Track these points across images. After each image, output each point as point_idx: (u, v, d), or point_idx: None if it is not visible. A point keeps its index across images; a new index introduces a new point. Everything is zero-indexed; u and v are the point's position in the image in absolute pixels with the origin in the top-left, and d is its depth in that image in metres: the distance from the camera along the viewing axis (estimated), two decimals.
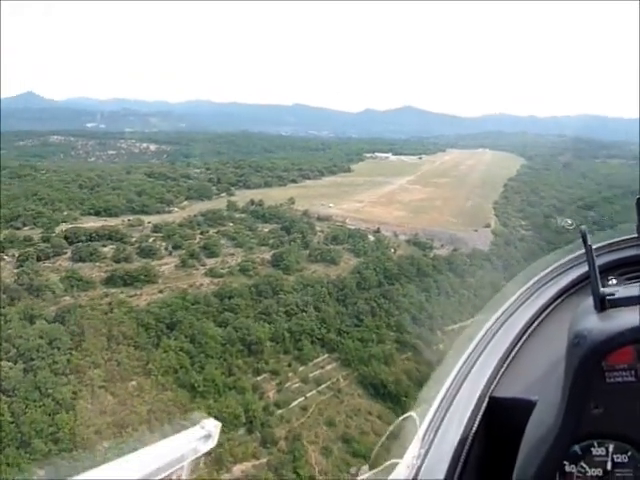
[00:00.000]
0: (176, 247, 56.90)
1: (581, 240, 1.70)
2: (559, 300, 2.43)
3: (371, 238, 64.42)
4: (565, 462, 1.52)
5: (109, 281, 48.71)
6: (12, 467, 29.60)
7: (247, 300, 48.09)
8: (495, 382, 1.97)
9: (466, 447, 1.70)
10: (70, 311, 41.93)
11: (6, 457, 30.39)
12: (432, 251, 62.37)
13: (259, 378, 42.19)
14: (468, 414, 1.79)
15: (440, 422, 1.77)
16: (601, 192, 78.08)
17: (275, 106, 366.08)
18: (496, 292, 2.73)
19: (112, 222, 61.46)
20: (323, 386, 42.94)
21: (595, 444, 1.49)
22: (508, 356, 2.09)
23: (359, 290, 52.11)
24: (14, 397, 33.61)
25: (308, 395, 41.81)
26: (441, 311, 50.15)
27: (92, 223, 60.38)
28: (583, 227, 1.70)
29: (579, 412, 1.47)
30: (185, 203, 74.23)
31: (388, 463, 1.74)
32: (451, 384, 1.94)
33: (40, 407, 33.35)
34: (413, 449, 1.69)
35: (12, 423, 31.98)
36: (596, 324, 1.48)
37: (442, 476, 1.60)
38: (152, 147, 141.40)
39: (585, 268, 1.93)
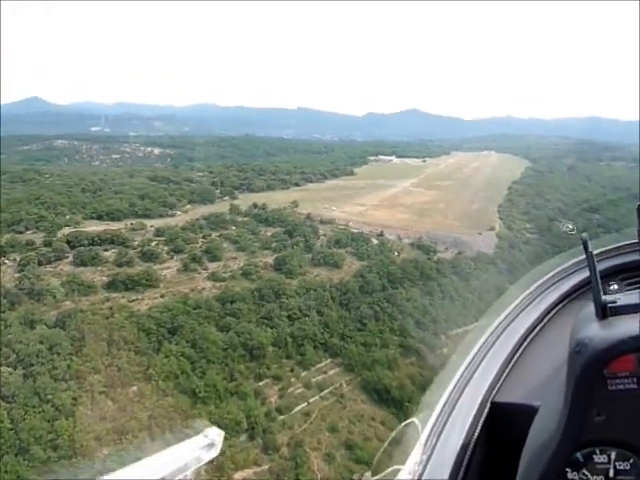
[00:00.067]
0: (178, 251, 56.61)
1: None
2: (561, 305, 2.46)
3: (374, 241, 64.04)
4: (567, 469, 1.52)
5: (110, 285, 48.41)
6: (10, 474, 29.29)
7: (249, 304, 47.76)
8: (497, 387, 1.99)
9: (468, 453, 1.70)
10: (71, 316, 41.64)
11: (4, 464, 30.01)
12: (436, 254, 61.89)
13: (261, 383, 41.80)
14: (470, 420, 1.80)
15: (442, 428, 1.78)
16: (606, 195, 77.41)
17: (279, 110, 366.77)
18: (501, 296, 2.76)
19: (114, 226, 61.23)
20: (326, 391, 42.50)
21: (597, 451, 1.50)
22: (510, 361, 2.12)
23: (362, 294, 51.71)
24: (13, 403, 33.31)
25: (311, 401, 41.38)
26: (445, 315, 49.72)
27: (94, 227, 60.18)
28: (584, 234, 1.71)
29: (581, 419, 1.47)
30: (188, 207, 73.97)
31: (390, 469, 1.74)
32: (453, 389, 1.95)
33: (39, 413, 33.01)
34: (415, 455, 1.69)
35: (11, 429, 31.65)
36: (597, 332, 1.48)
37: None
38: (156, 151, 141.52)
39: (587, 273, 1.89)
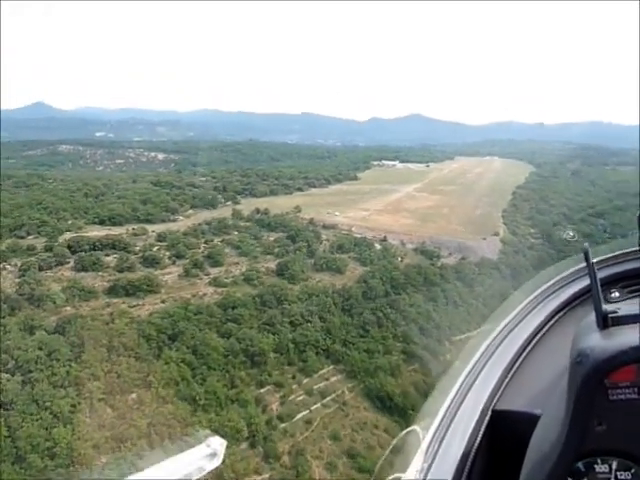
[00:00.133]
0: (180, 256, 56.32)
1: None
2: (562, 313, 2.45)
3: (377, 247, 63.59)
4: (569, 479, 1.53)
5: (111, 291, 48.13)
6: None
7: (251, 310, 47.35)
8: (498, 395, 1.98)
9: (469, 461, 1.70)
10: (71, 322, 41.36)
11: (1, 473, 29.67)
12: (440, 260, 61.40)
13: (262, 390, 41.28)
14: (471, 427, 1.79)
15: (443, 435, 1.77)
16: (612, 200, 76.76)
17: (283, 115, 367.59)
18: (503, 303, 2.74)
19: (116, 231, 61.08)
20: (328, 399, 41.93)
21: (598, 461, 1.51)
22: (511, 369, 2.11)
23: (365, 300, 51.23)
24: (11, 410, 32.94)
25: (312, 408, 40.79)
26: (449, 321, 49.20)
27: (96, 232, 60.00)
28: (586, 245, 1.73)
29: (582, 429, 1.48)
30: (190, 212, 73.79)
31: (391, 477, 1.72)
32: (454, 397, 1.94)
33: (37, 421, 32.66)
34: (416, 463, 1.68)
35: (8, 437, 31.28)
36: (598, 342, 1.49)
37: None
38: (160, 156, 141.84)
39: (588, 280, 1.83)
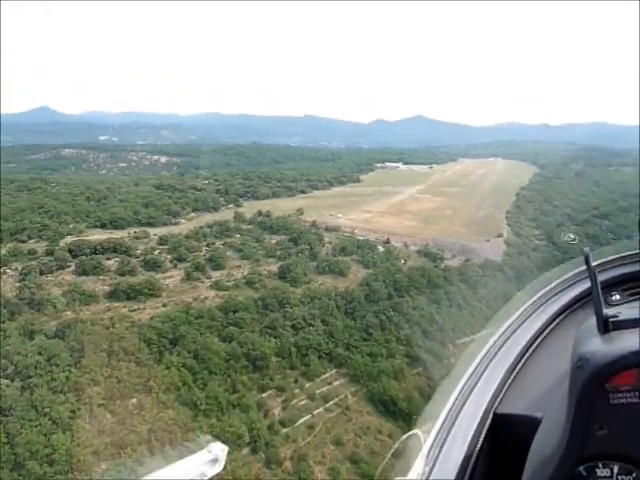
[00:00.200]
0: (181, 259, 56.01)
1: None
2: (562, 316, 2.45)
3: (380, 249, 63.13)
4: None
5: (112, 295, 47.81)
6: None
7: (252, 314, 46.97)
8: (499, 398, 1.98)
9: (470, 464, 1.70)
10: (71, 326, 41.01)
11: None
12: (443, 262, 60.85)
13: (264, 395, 40.84)
14: (472, 431, 1.79)
15: (444, 439, 1.76)
16: (616, 201, 76.11)
17: (286, 117, 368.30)
18: (503, 306, 2.72)
19: (117, 234, 60.85)
20: (331, 403, 41.47)
21: (600, 465, 1.51)
22: (512, 372, 2.11)
23: (368, 303, 50.78)
24: (9, 416, 32.61)
25: (315, 413, 40.33)
26: (453, 324, 48.64)
27: (97, 236, 59.77)
28: (586, 249, 1.75)
29: (584, 433, 1.49)
30: (192, 215, 73.55)
31: None
32: (455, 400, 1.93)
33: (36, 427, 32.28)
34: (417, 467, 1.68)
35: (7, 444, 30.93)
36: (599, 347, 1.50)
37: None
38: (163, 159, 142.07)
39: (588, 283, 1.83)
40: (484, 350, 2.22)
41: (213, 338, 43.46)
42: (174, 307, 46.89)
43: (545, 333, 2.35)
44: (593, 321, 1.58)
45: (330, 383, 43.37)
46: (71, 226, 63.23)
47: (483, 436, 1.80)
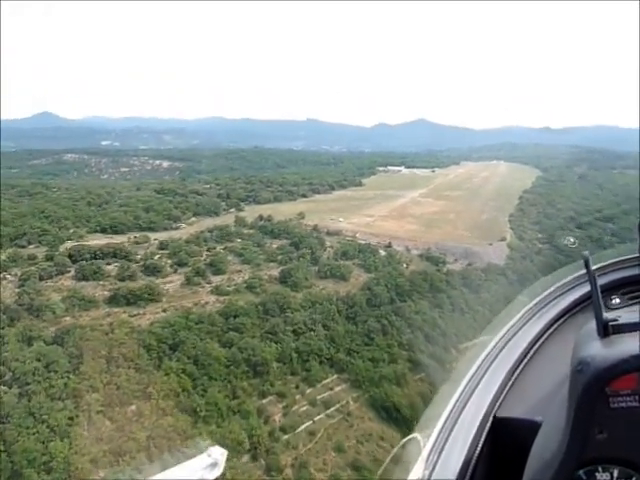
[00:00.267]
0: (182, 264, 55.71)
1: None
2: (562, 320, 2.46)
3: (382, 253, 62.76)
4: None
5: (112, 300, 47.52)
6: None
7: (253, 319, 46.62)
8: (499, 402, 1.98)
9: (470, 468, 1.70)
10: (70, 332, 40.75)
11: None
12: (445, 266, 60.51)
13: (264, 401, 40.46)
14: (472, 435, 1.79)
15: (444, 443, 1.76)
16: (620, 204, 75.64)
17: (288, 122, 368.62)
18: (502, 310, 2.73)
19: (118, 239, 60.63)
20: (332, 409, 41.05)
21: (600, 469, 1.51)
22: (512, 376, 2.11)
23: (370, 307, 50.41)
24: (7, 423, 32.26)
25: (316, 419, 39.93)
26: (455, 328, 48.13)
27: (97, 241, 59.54)
28: (586, 253, 1.74)
29: (584, 437, 1.48)
30: (193, 219, 73.36)
31: None
32: (455, 404, 1.94)
33: (34, 434, 31.95)
34: (417, 471, 1.68)
35: (4, 451, 30.60)
36: (599, 351, 1.49)
37: None
38: (165, 164, 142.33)
39: (588, 287, 1.84)
40: (484, 354, 2.22)
41: (213, 343, 43.09)
42: (174, 312, 46.58)
43: (545, 337, 2.35)
44: (593, 325, 1.57)
45: (331, 389, 42.98)
46: (71, 231, 63.09)
47: (483, 440, 1.79)
